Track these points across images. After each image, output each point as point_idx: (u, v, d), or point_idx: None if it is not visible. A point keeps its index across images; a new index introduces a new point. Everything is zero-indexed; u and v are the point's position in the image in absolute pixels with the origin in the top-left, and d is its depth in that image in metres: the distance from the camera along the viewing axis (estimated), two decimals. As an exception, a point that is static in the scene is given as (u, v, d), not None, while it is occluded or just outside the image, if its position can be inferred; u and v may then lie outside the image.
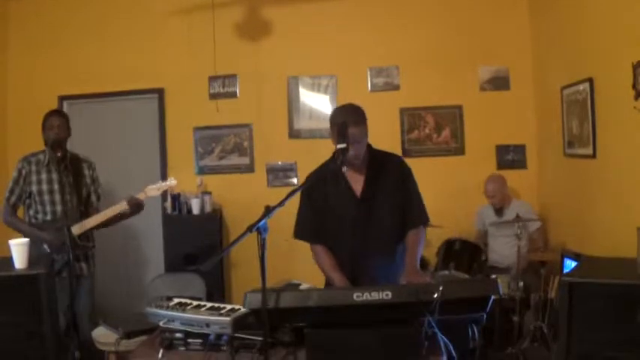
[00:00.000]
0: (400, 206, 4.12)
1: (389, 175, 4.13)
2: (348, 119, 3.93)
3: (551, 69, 6.98)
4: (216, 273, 7.31)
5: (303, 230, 4.22)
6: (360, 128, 3.95)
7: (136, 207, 5.29)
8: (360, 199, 4.06)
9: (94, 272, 5.61)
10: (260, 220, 2.97)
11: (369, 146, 4.16)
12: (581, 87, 5.97)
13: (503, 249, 6.77)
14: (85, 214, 5.43)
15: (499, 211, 6.96)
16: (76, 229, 5.17)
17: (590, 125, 5.78)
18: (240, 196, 7.75)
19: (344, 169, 3.68)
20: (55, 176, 5.32)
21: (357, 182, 4.08)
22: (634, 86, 4.81)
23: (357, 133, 3.92)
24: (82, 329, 5.13)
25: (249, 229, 2.95)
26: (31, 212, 5.39)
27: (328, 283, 4.11)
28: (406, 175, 4.20)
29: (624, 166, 5.17)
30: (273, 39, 7.82)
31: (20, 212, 5.50)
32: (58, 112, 5.62)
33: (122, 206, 5.25)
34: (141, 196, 5.29)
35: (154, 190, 5.35)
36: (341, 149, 3.65)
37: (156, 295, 6.39)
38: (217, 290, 7.15)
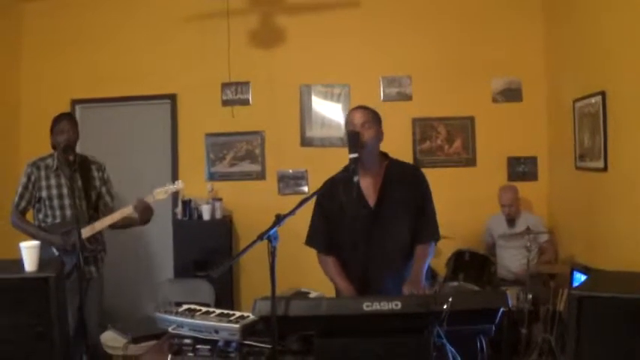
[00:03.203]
0: (414, 219, 4.06)
1: (405, 186, 4.06)
2: (354, 108, 3.99)
3: (563, 81, 6.98)
4: (225, 279, 7.31)
5: (315, 238, 4.18)
6: (363, 113, 3.94)
7: (144, 210, 5.23)
8: (373, 210, 4.00)
9: (103, 275, 5.58)
10: (271, 228, 2.97)
11: (385, 155, 4.14)
12: (593, 100, 5.97)
13: (512, 261, 6.77)
14: (95, 217, 5.42)
15: (511, 221, 6.96)
16: (86, 232, 5.15)
17: (602, 138, 5.78)
18: (251, 203, 7.77)
19: (356, 178, 3.66)
20: (64, 181, 5.29)
21: (371, 192, 4.02)
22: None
23: (360, 117, 3.92)
24: (90, 332, 5.12)
25: (260, 237, 2.95)
26: (41, 216, 5.37)
27: (338, 292, 4.08)
28: (424, 188, 4.13)
29: (635, 180, 5.16)
30: (286, 47, 7.85)
31: (29, 215, 5.50)
32: (68, 116, 5.56)
33: (129, 209, 5.22)
34: (149, 199, 5.21)
35: (162, 193, 5.26)
36: (353, 159, 3.64)
37: (165, 299, 6.41)
38: (226, 296, 7.15)
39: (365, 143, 3.84)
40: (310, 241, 4.21)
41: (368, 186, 4.02)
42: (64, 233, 5.15)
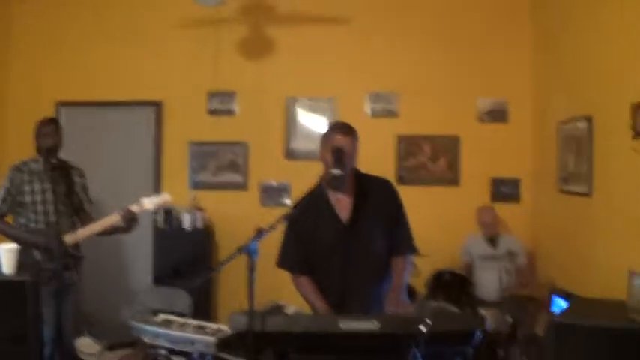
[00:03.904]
0: (388, 233, 4.01)
1: (377, 200, 4.01)
2: (337, 129, 3.92)
3: (550, 104, 7.01)
4: (204, 289, 7.24)
5: (288, 260, 4.08)
6: (347, 138, 3.85)
7: (130, 221, 5.19)
8: (346, 226, 3.94)
9: (81, 281, 5.53)
10: (250, 242, 2.95)
11: (355, 170, 4.06)
12: (578, 124, 5.99)
13: (491, 282, 6.76)
14: (78, 222, 5.37)
15: (492, 240, 6.96)
16: (69, 239, 5.09)
17: (587, 163, 5.78)
18: (233, 213, 7.73)
19: (339, 195, 3.64)
20: (47, 186, 5.22)
21: (343, 208, 3.96)
22: (633, 127, 4.81)
23: (343, 141, 3.83)
24: (66, 338, 5.07)
25: (240, 250, 2.93)
26: (22, 221, 5.27)
27: (314, 311, 4.00)
28: (396, 200, 4.09)
29: (619, 206, 5.17)
30: (274, 58, 7.84)
31: (9, 219, 5.43)
32: (52, 121, 5.49)
33: (115, 218, 5.16)
34: (135, 208, 5.14)
35: (150, 203, 5.23)
36: (339, 176, 3.62)
37: (142, 307, 6.36)
38: (203, 306, 7.10)
39: (347, 165, 3.81)
40: (283, 263, 4.11)
41: (339, 201, 3.97)
42: (46, 234, 5.08)
